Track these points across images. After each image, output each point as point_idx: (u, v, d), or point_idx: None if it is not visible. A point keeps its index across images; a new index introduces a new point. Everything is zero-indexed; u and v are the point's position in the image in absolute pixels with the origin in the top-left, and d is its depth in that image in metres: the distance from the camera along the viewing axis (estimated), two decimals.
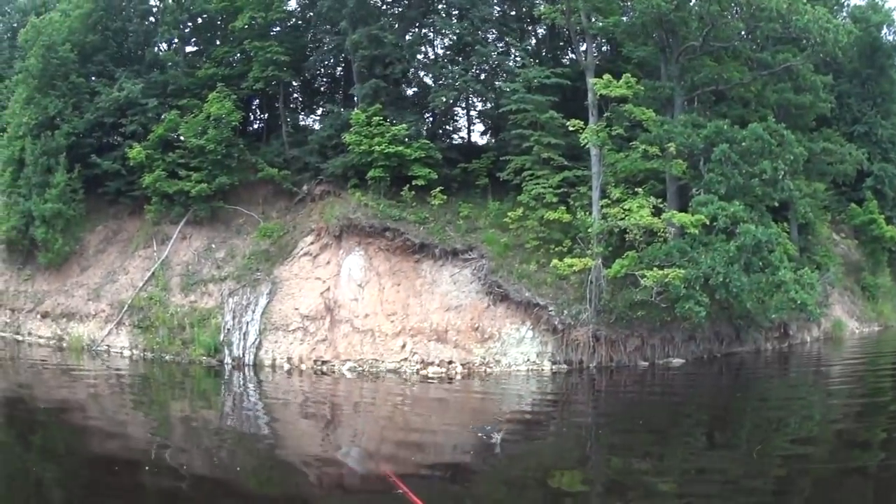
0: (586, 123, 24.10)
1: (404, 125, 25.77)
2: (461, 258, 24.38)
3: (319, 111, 32.10)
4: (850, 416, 17.71)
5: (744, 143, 23.22)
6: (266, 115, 32.42)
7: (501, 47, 28.86)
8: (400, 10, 29.20)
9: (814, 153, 28.11)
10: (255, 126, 32.70)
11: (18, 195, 28.83)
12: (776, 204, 25.09)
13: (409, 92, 29.51)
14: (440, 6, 29.26)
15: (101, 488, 12.68)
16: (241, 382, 22.89)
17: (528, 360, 22.86)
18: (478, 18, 27.33)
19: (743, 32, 26.16)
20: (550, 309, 22.96)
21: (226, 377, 23.37)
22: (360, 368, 23.15)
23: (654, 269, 21.48)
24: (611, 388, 21.92)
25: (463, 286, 24.02)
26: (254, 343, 24.30)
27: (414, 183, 25.64)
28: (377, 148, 25.32)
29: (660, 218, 22.43)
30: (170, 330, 25.53)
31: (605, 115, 24.41)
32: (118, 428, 17.09)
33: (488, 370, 22.62)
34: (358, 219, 25.19)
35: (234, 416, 19.27)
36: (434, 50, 30.37)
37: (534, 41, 30.36)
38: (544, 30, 30.09)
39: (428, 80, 29.36)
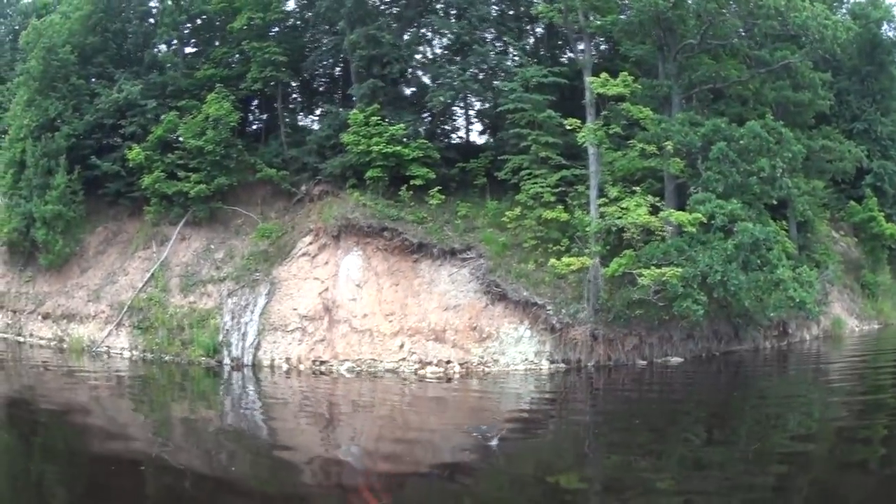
0: (584, 122, 24.10)
1: (402, 125, 25.78)
2: (459, 258, 24.39)
3: (318, 111, 32.13)
4: (850, 413, 17.70)
5: (742, 141, 23.21)
6: (265, 116, 32.41)
7: (499, 47, 28.84)
8: (398, 9, 29.19)
9: (813, 151, 28.02)
10: (254, 127, 32.67)
11: (20, 197, 28.99)
12: (774, 202, 25.10)
13: (408, 92, 29.54)
14: (438, 6, 29.29)
15: (103, 488, 12.77)
16: (240, 383, 22.95)
17: (527, 359, 22.87)
18: (476, 18, 27.34)
19: (741, 30, 26.12)
20: (548, 308, 22.97)
21: (225, 378, 23.44)
22: (359, 368, 23.19)
23: (652, 267, 21.48)
24: (609, 386, 21.92)
25: (461, 286, 24.03)
26: (252, 343, 24.37)
27: (412, 183, 25.65)
28: (375, 148, 25.34)
29: (657, 216, 22.42)
30: (169, 331, 25.61)
31: (602, 113, 24.41)
32: (119, 428, 17.26)
33: (486, 370, 22.64)
34: (356, 219, 25.21)
35: (233, 416, 19.35)
36: (432, 49, 30.43)
37: (532, 40, 30.29)
38: (542, 29, 30.02)
39: (426, 80, 29.41)
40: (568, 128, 24.09)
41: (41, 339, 28.19)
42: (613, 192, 23.34)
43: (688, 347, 24.09)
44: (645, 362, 23.19)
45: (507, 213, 24.81)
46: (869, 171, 33.16)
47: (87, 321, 27.49)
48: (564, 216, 23.85)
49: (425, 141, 26.26)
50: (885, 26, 34.56)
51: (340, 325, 24.09)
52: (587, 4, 25.18)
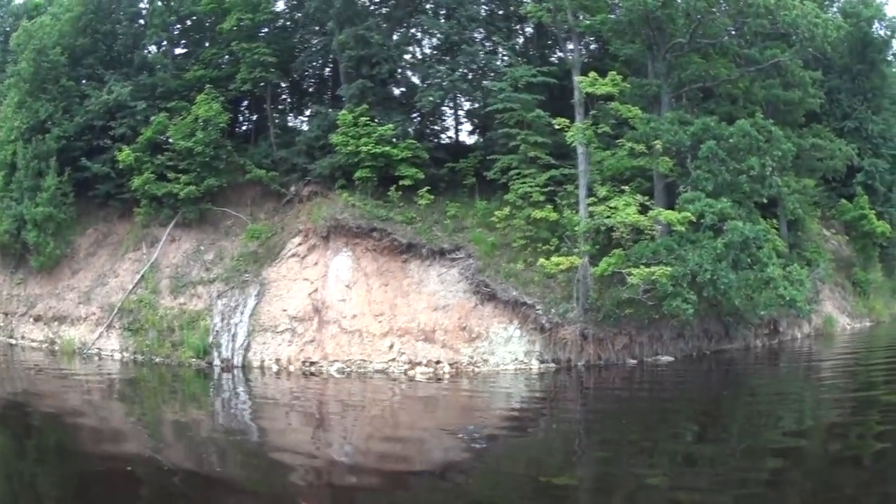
0: (573, 122, 24.08)
1: (391, 125, 25.75)
2: (448, 258, 24.36)
3: (308, 112, 32.11)
4: (842, 410, 17.65)
5: (731, 140, 23.20)
6: (254, 117, 32.42)
7: (489, 46, 28.79)
8: (387, 9, 29.16)
9: (803, 149, 28.02)
10: (244, 128, 32.67)
11: (10, 199, 29.02)
12: (765, 200, 25.09)
13: (397, 92, 29.49)
14: (427, 6, 29.26)
15: (95, 489, 12.75)
16: (231, 384, 22.89)
17: (516, 359, 22.84)
18: (465, 18, 27.29)
19: (730, 28, 26.14)
20: (538, 308, 22.94)
21: (215, 379, 23.39)
22: (348, 369, 23.16)
23: (641, 267, 21.43)
24: (599, 386, 21.90)
25: (450, 286, 24.00)
26: (242, 345, 24.33)
27: (401, 183, 25.62)
28: (364, 148, 25.31)
29: (646, 216, 22.39)
30: (159, 332, 25.60)
31: (591, 113, 24.38)
32: (110, 430, 17.13)
33: (476, 370, 22.61)
34: (345, 219, 25.18)
35: (223, 418, 19.27)
36: (421, 49, 30.47)
37: (521, 40, 30.28)
38: (532, 28, 30.00)
39: (415, 80, 29.40)
40: (557, 127, 24.06)
41: (33, 341, 28.19)
42: (602, 191, 23.30)
43: (678, 346, 24.06)
44: (635, 361, 23.16)
45: (496, 212, 24.77)
46: (860, 170, 33.15)
47: (78, 323, 27.49)
48: (553, 216, 23.81)
49: (414, 141, 26.23)
50: (876, 24, 34.48)
51: (330, 326, 24.05)
52: (576, 4, 25.18)
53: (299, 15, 30.11)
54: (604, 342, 22.98)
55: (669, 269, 21.21)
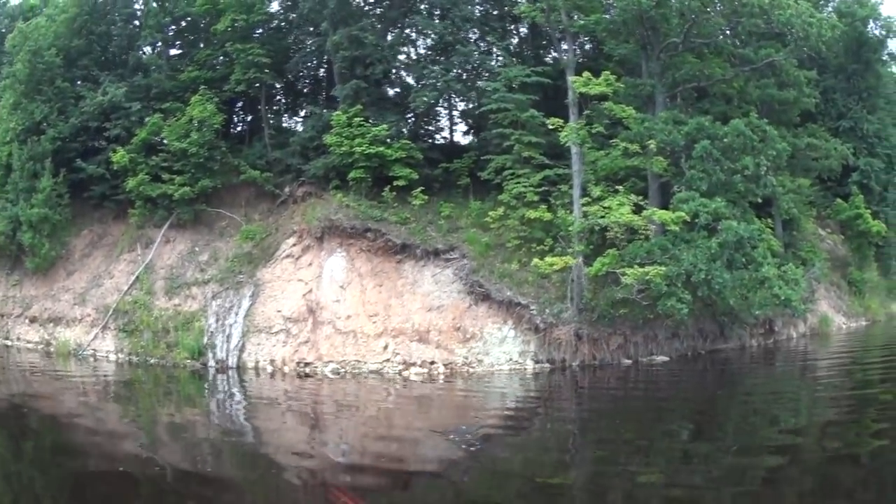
0: (567, 122, 24.06)
1: (385, 126, 25.73)
2: (442, 258, 24.35)
3: (302, 113, 32.16)
4: (838, 408, 17.65)
5: (725, 140, 23.20)
6: (249, 118, 32.42)
7: (483, 47, 28.86)
8: (381, 10, 29.19)
9: (798, 149, 28.03)
10: (238, 128, 32.68)
11: (6, 200, 29.01)
12: (759, 200, 25.11)
13: (391, 92, 29.42)
14: (422, 6, 29.26)
15: (91, 489, 12.77)
16: (225, 385, 22.85)
17: (511, 359, 22.82)
18: (459, 18, 27.28)
19: (725, 28, 26.16)
20: (532, 308, 22.92)
21: (209, 380, 23.35)
22: (343, 370, 23.13)
23: (636, 266, 21.42)
24: (594, 386, 21.88)
25: (444, 286, 23.99)
26: (237, 346, 24.30)
27: (395, 183, 25.62)
28: (358, 149, 25.30)
29: (640, 215, 22.38)
30: (154, 333, 25.58)
31: (585, 113, 24.38)
32: (106, 431, 17.13)
33: (471, 370, 22.59)
34: (339, 220, 25.17)
35: (218, 418, 19.23)
36: (416, 50, 30.46)
37: (516, 40, 30.33)
38: (526, 29, 30.02)
39: (410, 80, 29.40)
40: (551, 127, 24.04)
41: (28, 342, 28.16)
42: (596, 191, 23.29)
43: (673, 346, 24.04)
44: (630, 361, 23.14)
45: (490, 213, 24.78)
46: (855, 169, 33.19)
47: (73, 324, 27.48)
48: (548, 216, 23.82)
49: (408, 141, 26.24)
50: (871, 24, 34.47)
51: (324, 327, 24.03)
52: (570, 4, 25.16)
53: (293, 16, 30.17)
54: (598, 342, 22.96)
55: (664, 268, 21.20)
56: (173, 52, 32.28)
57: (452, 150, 29.37)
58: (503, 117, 25.06)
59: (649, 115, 24.38)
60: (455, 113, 31.48)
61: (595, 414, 18.68)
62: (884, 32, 34.95)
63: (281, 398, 21.34)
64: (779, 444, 14.60)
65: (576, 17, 25.60)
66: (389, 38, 29.01)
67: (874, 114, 34.46)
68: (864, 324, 31.86)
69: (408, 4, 29.11)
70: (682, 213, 22.06)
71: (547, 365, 22.67)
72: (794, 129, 29.36)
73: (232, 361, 24.10)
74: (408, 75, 29.53)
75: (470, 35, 28.76)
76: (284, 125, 32.31)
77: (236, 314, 24.89)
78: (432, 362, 22.84)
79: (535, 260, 22.82)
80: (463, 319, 23.38)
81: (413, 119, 29.38)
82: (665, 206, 23.06)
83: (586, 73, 23.65)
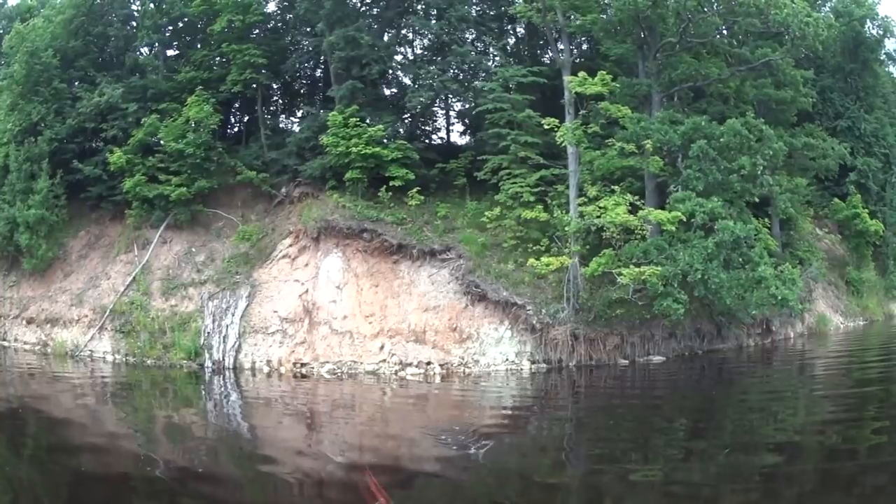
0: (563, 122, 24.05)
1: (381, 126, 25.74)
2: (439, 258, 24.33)
3: (299, 113, 32.13)
4: (836, 407, 17.64)
5: (722, 139, 23.19)
6: (245, 118, 32.47)
7: (479, 47, 28.87)
8: (377, 10, 29.17)
9: (795, 148, 28.06)
10: (235, 129, 32.75)
11: (3, 202, 29.02)
12: (756, 200, 25.08)
13: (387, 92, 29.52)
14: (418, 6, 29.26)
15: (89, 490, 12.74)
16: (222, 386, 22.82)
17: (507, 359, 22.81)
18: (455, 18, 27.26)
19: (721, 28, 26.22)
20: (528, 308, 22.89)
21: (206, 381, 23.31)
22: (339, 370, 23.10)
23: (632, 266, 21.40)
24: (591, 386, 21.86)
25: (441, 286, 23.96)
26: (233, 346, 24.27)
27: (391, 184, 25.59)
28: (354, 149, 25.27)
29: (636, 215, 22.35)
30: (151, 334, 25.52)
31: (581, 113, 24.36)
32: (103, 432, 17.11)
33: (467, 370, 22.58)
34: (336, 220, 25.15)
35: (215, 419, 19.23)
36: (412, 50, 30.52)
37: (512, 40, 30.39)
38: (522, 29, 30.07)
39: (406, 81, 29.45)
40: (547, 127, 24.02)
41: (25, 343, 28.11)
42: (593, 191, 23.29)
43: (670, 346, 24.02)
44: (627, 362, 23.12)
45: (486, 213, 24.75)
46: (853, 169, 33.20)
47: (70, 325, 27.41)
48: (544, 216, 23.77)
49: (404, 142, 26.22)
50: (868, 24, 34.54)
51: (321, 327, 24.01)
52: (566, 4, 25.20)
53: (290, 16, 30.19)
54: (595, 342, 22.94)
55: (660, 268, 21.21)
56: (170, 52, 32.34)
57: (449, 150, 29.39)
58: (499, 117, 25.04)
59: (646, 114, 24.37)
60: (451, 113, 31.58)
61: (592, 413, 18.69)
62: (881, 32, 35.03)
63: (277, 399, 21.34)
64: (777, 442, 14.62)
65: (572, 16, 25.59)
66: (386, 38, 29.04)
67: (871, 113, 34.51)
68: (862, 323, 31.86)
69: (404, 5, 29.11)
70: (679, 213, 22.06)
71: (543, 365, 22.66)
72: (791, 129, 29.43)
73: (228, 362, 24.07)
74: (404, 76, 29.57)
75: (466, 35, 28.76)
76: (281, 126, 32.36)
77: (233, 315, 24.87)
78: (428, 363, 22.82)
79: (532, 260, 22.78)
80: (459, 320, 23.35)
81: (409, 119, 29.41)
82: (661, 206, 23.05)
83: (582, 73, 23.65)
